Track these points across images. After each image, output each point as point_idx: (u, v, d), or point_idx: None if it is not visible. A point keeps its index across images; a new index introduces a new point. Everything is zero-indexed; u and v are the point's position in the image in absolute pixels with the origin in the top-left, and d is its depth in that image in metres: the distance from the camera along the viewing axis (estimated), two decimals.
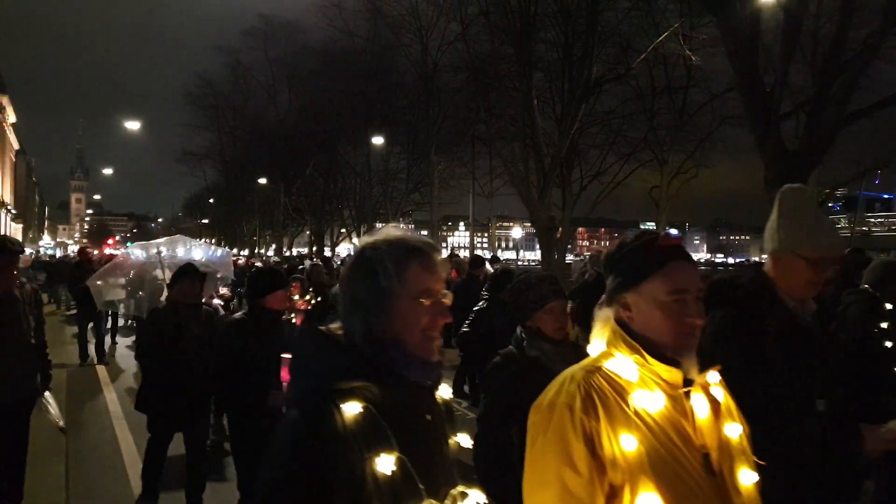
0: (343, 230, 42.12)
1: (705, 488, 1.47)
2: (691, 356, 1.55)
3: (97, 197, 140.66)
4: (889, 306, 3.80)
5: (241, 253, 40.38)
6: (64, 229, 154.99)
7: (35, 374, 4.77)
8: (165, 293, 7.98)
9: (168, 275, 6.98)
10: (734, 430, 1.58)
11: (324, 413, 1.23)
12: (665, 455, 1.46)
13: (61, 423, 5.11)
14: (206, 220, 67.01)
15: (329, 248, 41.40)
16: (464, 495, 1.39)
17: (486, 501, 1.42)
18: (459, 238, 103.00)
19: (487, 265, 9.69)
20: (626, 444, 1.45)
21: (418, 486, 1.26)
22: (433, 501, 1.30)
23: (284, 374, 4.03)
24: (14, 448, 4.60)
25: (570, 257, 31.10)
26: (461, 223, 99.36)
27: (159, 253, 8.39)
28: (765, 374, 2.17)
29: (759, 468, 1.58)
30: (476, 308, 6.23)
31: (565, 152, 20.28)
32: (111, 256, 18.59)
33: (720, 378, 1.63)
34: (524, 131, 19.65)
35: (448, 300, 1.42)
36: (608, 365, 1.57)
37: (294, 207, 42.94)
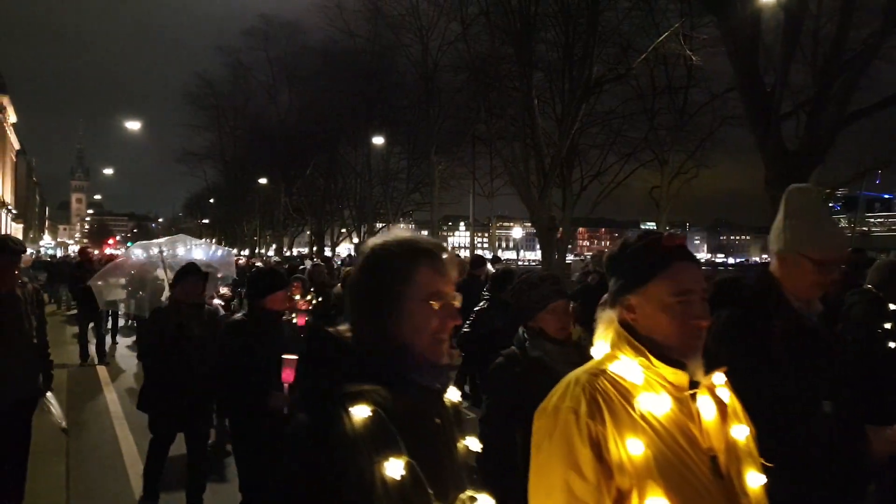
0: (343, 230, 42.11)
1: (713, 492, 1.45)
2: (697, 358, 1.53)
3: (98, 197, 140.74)
4: (893, 307, 3.77)
5: (242, 253, 40.36)
6: (64, 229, 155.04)
7: (37, 374, 4.76)
8: (167, 293, 8.01)
9: (170, 275, 6.98)
10: (741, 432, 1.56)
11: (333, 417, 1.21)
12: (672, 459, 1.44)
13: (63, 424, 5.11)
14: (206, 221, 67.00)
15: (329, 248, 41.39)
16: (473, 500, 1.37)
17: None
18: (460, 238, 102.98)
19: (489, 265, 9.68)
20: (632, 448, 1.42)
21: (427, 491, 1.24)
22: None
23: (285, 376, 4.03)
24: (15, 448, 4.60)
25: (570, 257, 31.06)
26: (461, 223, 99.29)
27: (161, 252, 8.38)
28: (770, 375, 2.16)
29: (765, 470, 1.57)
30: (477, 308, 6.23)
31: (566, 152, 20.26)
32: (112, 256, 18.61)
33: (726, 379, 1.61)
34: (524, 131, 19.65)
35: (458, 303, 1.40)
36: (613, 368, 1.55)
37: (294, 207, 42.93)
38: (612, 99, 24.70)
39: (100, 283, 9.35)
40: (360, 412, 1.22)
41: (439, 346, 1.37)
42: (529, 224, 21.98)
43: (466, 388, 8.46)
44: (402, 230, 1.45)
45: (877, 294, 3.87)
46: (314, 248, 41.17)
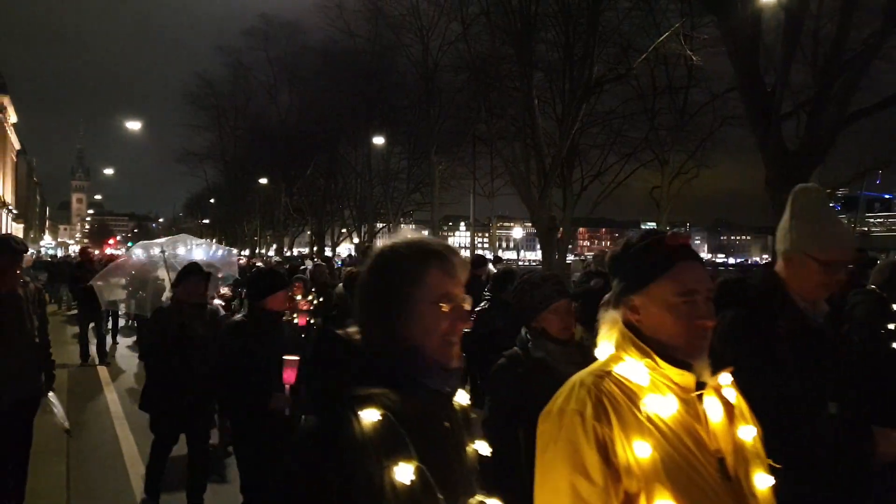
0: (344, 230, 42.11)
1: (721, 494, 1.43)
2: (703, 358, 1.51)
3: (98, 197, 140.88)
4: None
5: (243, 253, 40.37)
6: (65, 229, 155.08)
7: (39, 374, 4.75)
8: (167, 293, 8.01)
9: (171, 275, 6.98)
10: (748, 433, 1.54)
11: (342, 420, 1.20)
12: (680, 461, 1.42)
13: (66, 425, 5.11)
14: (206, 221, 67.00)
15: (330, 248, 41.39)
16: None
17: None
18: (460, 238, 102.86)
19: (490, 265, 9.67)
20: (639, 450, 1.40)
21: (438, 496, 1.23)
22: None
23: (287, 377, 4.02)
24: (17, 448, 4.59)
25: (570, 257, 31.06)
26: (462, 223, 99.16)
27: (163, 252, 8.39)
28: (775, 375, 2.14)
29: (773, 471, 1.55)
30: (478, 308, 6.24)
31: (566, 152, 20.25)
32: (112, 256, 18.61)
33: (731, 379, 1.59)
34: (525, 131, 19.64)
35: (468, 305, 1.39)
36: (618, 369, 1.53)
37: (295, 207, 42.92)
38: (612, 99, 24.71)
39: (100, 283, 9.37)
40: (370, 416, 1.21)
41: (449, 348, 1.35)
42: (530, 224, 21.97)
43: (467, 388, 8.46)
44: (410, 231, 1.44)
45: (880, 294, 3.84)
46: (314, 248, 41.17)
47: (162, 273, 8.36)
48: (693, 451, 1.44)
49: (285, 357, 4.04)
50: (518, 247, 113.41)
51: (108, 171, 74.28)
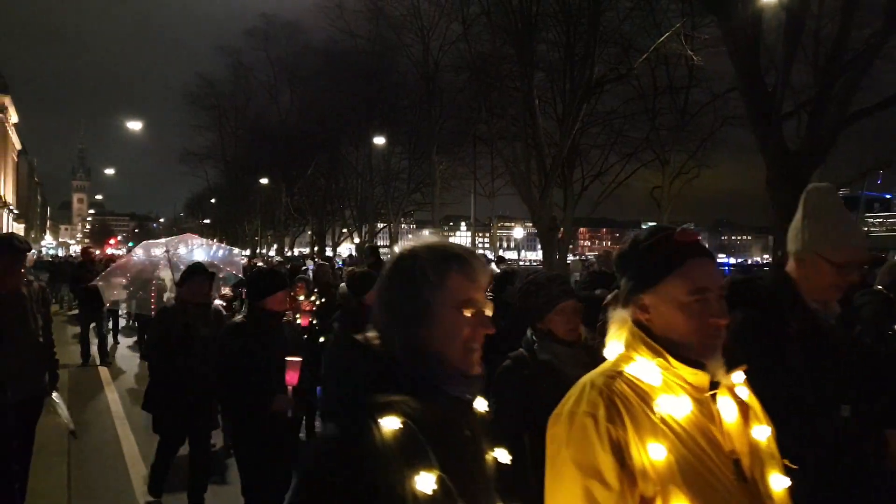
0: (345, 230, 42.11)
1: (738, 496, 1.39)
2: (717, 357, 1.47)
3: (99, 197, 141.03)
4: None
5: (243, 253, 40.33)
6: (66, 229, 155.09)
7: (43, 374, 4.72)
8: (167, 294, 8.01)
9: (175, 275, 6.98)
10: (762, 433, 1.51)
11: (362, 429, 1.17)
12: (695, 463, 1.38)
13: (71, 426, 5.10)
14: (207, 221, 66.99)
15: (331, 248, 41.38)
16: None
17: None
18: (461, 238, 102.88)
19: (493, 265, 9.66)
20: (654, 453, 1.36)
21: None
22: None
23: (289, 378, 4.01)
24: (19, 447, 4.59)
25: (570, 257, 31.05)
26: (463, 223, 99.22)
27: (167, 252, 8.39)
28: (785, 377, 2.11)
29: (788, 472, 1.52)
30: None
31: (567, 152, 20.24)
32: (113, 256, 18.60)
33: (744, 378, 1.55)
34: (526, 131, 19.63)
35: (490, 310, 1.35)
36: (629, 369, 1.49)
37: (296, 207, 42.94)
38: (613, 99, 24.71)
39: (101, 283, 9.38)
40: (390, 424, 1.18)
41: (471, 355, 1.31)
42: (530, 224, 21.95)
43: None
44: (431, 235, 1.42)
45: (887, 295, 3.80)
46: (315, 248, 41.16)
47: (163, 273, 8.36)
48: (708, 453, 1.40)
49: (287, 358, 4.01)
50: (519, 247, 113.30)
51: (109, 171, 74.32)
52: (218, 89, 46.32)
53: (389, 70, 32.46)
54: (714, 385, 1.47)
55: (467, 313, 1.30)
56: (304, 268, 12.81)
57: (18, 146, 71.27)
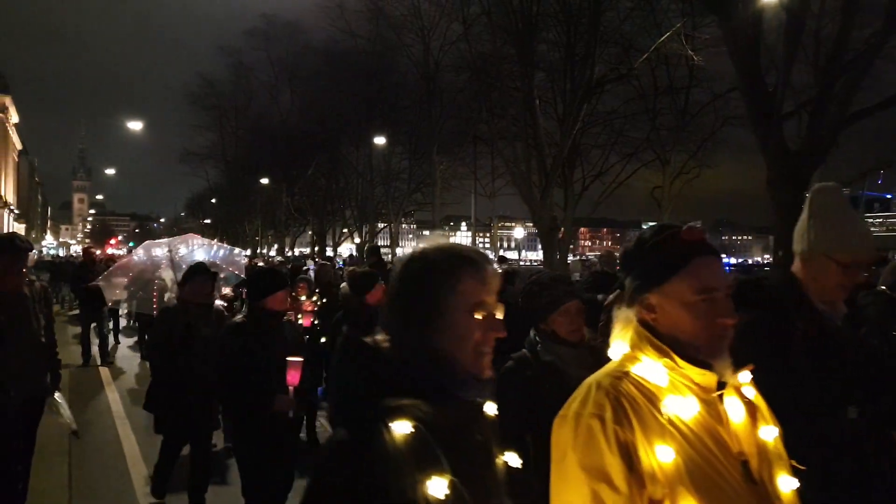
0: (345, 230, 42.11)
1: (747, 498, 1.38)
2: (725, 357, 1.44)
3: (100, 197, 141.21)
4: None
5: (244, 253, 40.33)
6: (67, 229, 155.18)
7: (45, 373, 4.72)
8: (168, 294, 8.01)
9: (178, 275, 6.98)
10: (770, 434, 1.49)
11: (373, 433, 1.16)
12: (703, 465, 1.36)
13: (74, 426, 5.10)
14: (208, 221, 67.01)
15: (331, 248, 41.38)
16: None
17: None
18: (461, 238, 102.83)
19: (495, 265, 9.66)
20: (662, 455, 1.34)
21: None
22: None
23: (290, 378, 4.00)
24: (22, 447, 4.59)
25: (571, 257, 31.06)
26: (463, 223, 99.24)
27: (170, 252, 8.40)
28: (791, 377, 2.09)
29: (796, 473, 1.50)
30: None
31: (567, 152, 20.24)
32: (114, 256, 18.60)
33: (751, 377, 1.53)
34: (526, 131, 19.63)
35: (501, 314, 1.34)
36: (636, 370, 1.47)
37: (296, 207, 42.94)
38: (613, 99, 24.70)
39: (102, 283, 9.39)
40: (402, 428, 1.16)
41: (482, 358, 1.30)
42: (531, 224, 21.95)
43: None
44: (441, 237, 1.40)
45: (891, 295, 3.78)
46: (316, 248, 41.17)
47: (164, 273, 8.36)
48: (716, 455, 1.39)
49: (289, 358, 4.01)
50: (519, 247, 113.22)
51: (110, 171, 74.52)
52: (218, 89, 46.41)
53: (390, 70, 32.47)
54: (721, 385, 1.45)
55: (478, 316, 1.29)
56: (306, 268, 12.82)
57: (19, 146, 71.26)
